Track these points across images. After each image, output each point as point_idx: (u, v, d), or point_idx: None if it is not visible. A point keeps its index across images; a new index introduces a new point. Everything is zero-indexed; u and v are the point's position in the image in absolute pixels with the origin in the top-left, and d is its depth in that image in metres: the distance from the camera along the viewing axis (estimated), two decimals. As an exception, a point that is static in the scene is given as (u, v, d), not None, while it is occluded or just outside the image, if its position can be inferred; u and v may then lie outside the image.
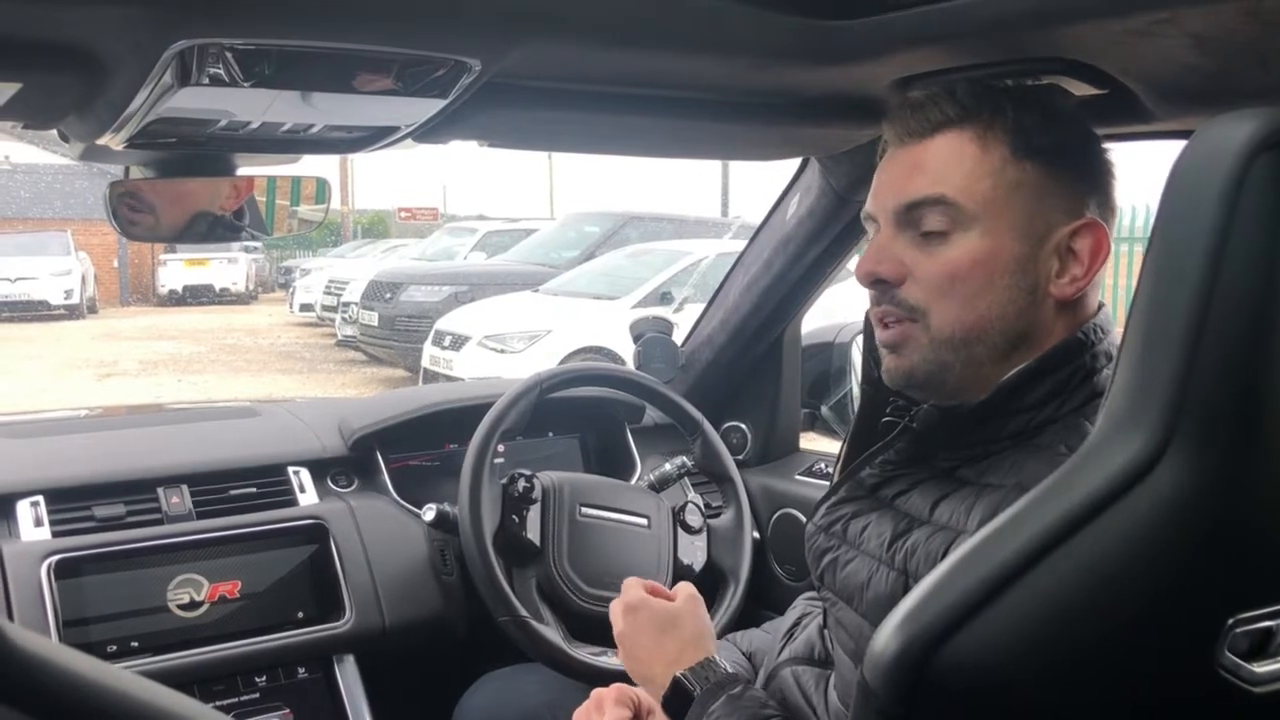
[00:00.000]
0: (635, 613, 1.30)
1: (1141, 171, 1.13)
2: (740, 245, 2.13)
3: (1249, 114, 0.62)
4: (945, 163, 1.08)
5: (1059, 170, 1.08)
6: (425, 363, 8.78)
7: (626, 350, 2.36)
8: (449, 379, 7.92)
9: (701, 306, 2.23)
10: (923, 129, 1.10)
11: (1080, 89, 1.16)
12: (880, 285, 1.12)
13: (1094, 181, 1.10)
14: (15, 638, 0.47)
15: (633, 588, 1.34)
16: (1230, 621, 0.62)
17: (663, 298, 7.92)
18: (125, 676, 0.51)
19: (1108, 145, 1.14)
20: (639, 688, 1.31)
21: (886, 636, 0.63)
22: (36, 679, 0.48)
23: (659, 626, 1.28)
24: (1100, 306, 1.12)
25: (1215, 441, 0.61)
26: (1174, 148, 0.66)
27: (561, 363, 6.18)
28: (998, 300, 1.07)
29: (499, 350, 8.11)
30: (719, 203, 22.46)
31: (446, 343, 8.51)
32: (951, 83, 1.12)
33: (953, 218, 1.07)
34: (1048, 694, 0.62)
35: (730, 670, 1.22)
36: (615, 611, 1.33)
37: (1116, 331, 1.09)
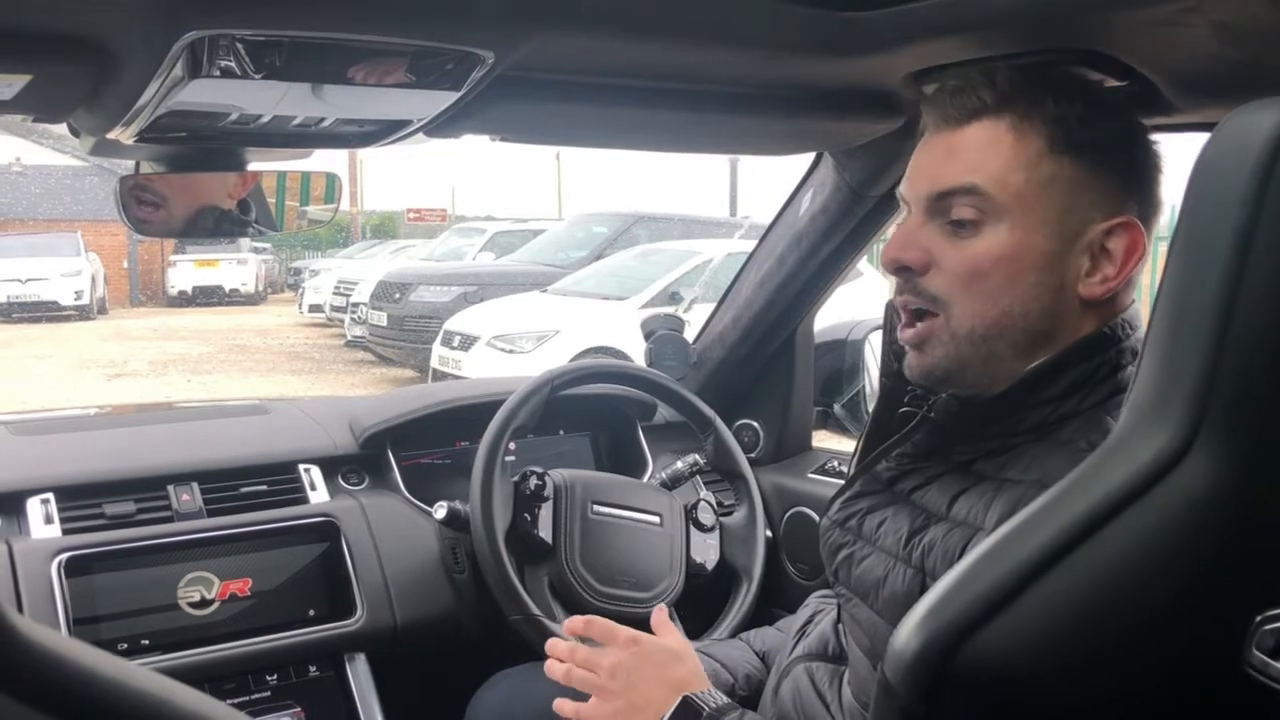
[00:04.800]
0: (639, 642, 1.31)
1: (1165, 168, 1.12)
2: (749, 245, 2.12)
3: (1275, 103, 0.61)
4: (980, 151, 1.06)
5: (1098, 167, 1.05)
6: (434, 363, 8.80)
7: (635, 350, 2.36)
8: (458, 379, 7.93)
9: (710, 307, 2.22)
10: (960, 115, 1.08)
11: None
12: (904, 272, 1.11)
13: (1136, 177, 1.08)
14: (27, 632, 0.47)
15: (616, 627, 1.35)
16: (1258, 619, 0.61)
17: (671, 298, 7.91)
18: (140, 672, 0.51)
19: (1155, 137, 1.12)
20: None
21: (907, 634, 0.62)
22: (48, 674, 0.47)
23: (666, 657, 1.29)
24: (1131, 303, 1.10)
25: (1242, 435, 0.60)
26: (1195, 141, 0.65)
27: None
28: (1021, 297, 1.05)
29: (508, 350, 8.12)
30: (727, 203, 22.48)
31: (455, 343, 8.53)
32: (992, 69, 1.10)
33: (983, 209, 1.05)
34: (1071, 692, 0.61)
35: (725, 701, 1.23)
36: (610, 649, 1.32)
37: (1144, 327, 1.08)
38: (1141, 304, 1.10)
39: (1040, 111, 1.06)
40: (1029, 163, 1.05)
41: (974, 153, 1.07)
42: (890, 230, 1.82)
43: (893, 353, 1.20)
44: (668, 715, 1.21)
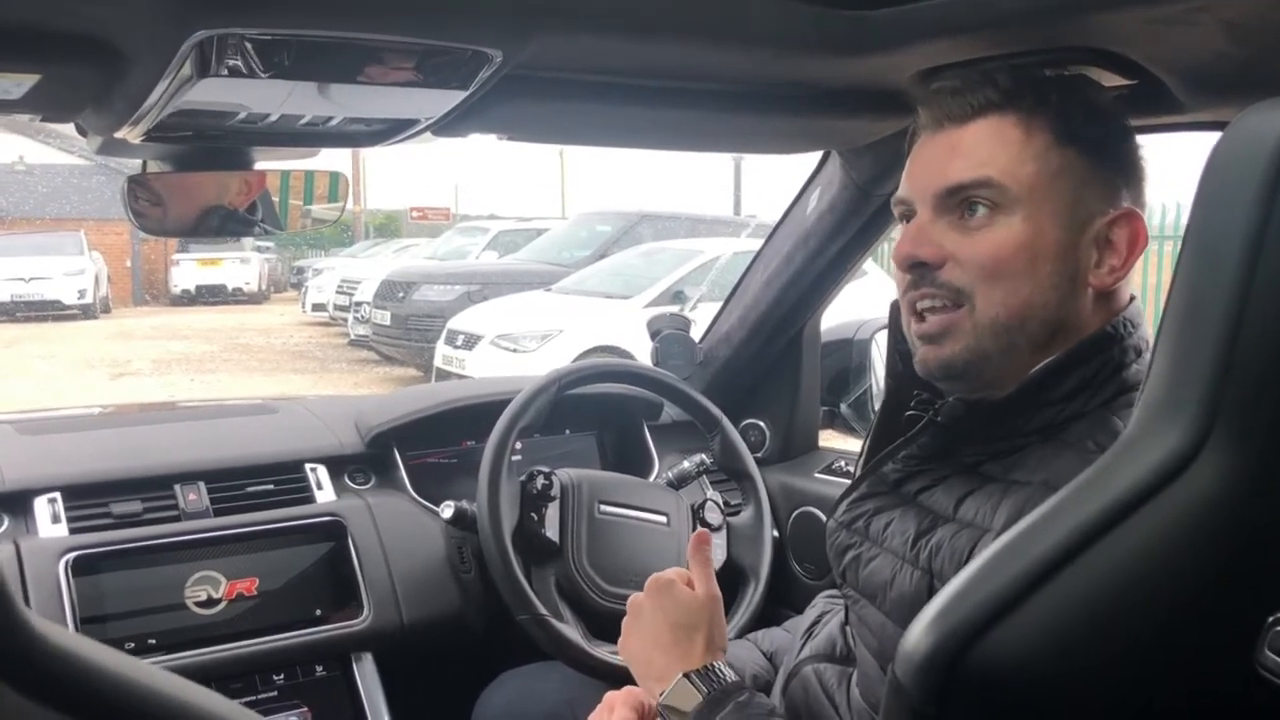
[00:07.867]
0: (661, 595, 1.24)
1: (1172, 167, 1.12)
2: (757, 244, 2.12)
3: None
4: (988, 145, 1.07)
5: (1099, 160, 1.07)
6: (438, 362, 8.80)
7: (639, 349, 2.36)
8: (461, 378, 7.92)
9: (715, 306, 2.22)
10: (964, 113, 1.09)
11: (1108, 79, 1.15)
12: (919, 269, 1.10)
13: (1130, 175, 1.09)
14: (40, 629, 0.47)
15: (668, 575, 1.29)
16: (1270, 620, 0.61)
17: (676, 296, 7.89)
18: (151, 670, 0.51)
19: (1140, 141, 1.13)
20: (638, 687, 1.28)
21: (918, 634, 0.62)
22: (60, 671, 0.47)
23: (681, 618, 1.23)
24: (1131, 299, 1.10)
25: (1254, 435, 0.60)
26: (1203, 140, 0.65)
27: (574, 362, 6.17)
28: (1040, 287, 1.05)
29: (511, 349, 8.12)
30: (731, 202, 22.44)
31: (459, 342, 8.52)
32: (991, 69, 1.11)
33: (997, 201, 1.06)
34: (1081, 693, 0.61)
35: (734, 678, 1.19)
36: (645, 588, 1.28)
37: (1146, 326, 1.08)
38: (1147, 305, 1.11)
39: (1045, 108, 1.07)
40: (1038, 154, 1.06)
41: (982, 147, 1.07)
42: (898, 229, 1.82)
43: (898, 354, 1.19)
44: (667, 691, 1.18)
